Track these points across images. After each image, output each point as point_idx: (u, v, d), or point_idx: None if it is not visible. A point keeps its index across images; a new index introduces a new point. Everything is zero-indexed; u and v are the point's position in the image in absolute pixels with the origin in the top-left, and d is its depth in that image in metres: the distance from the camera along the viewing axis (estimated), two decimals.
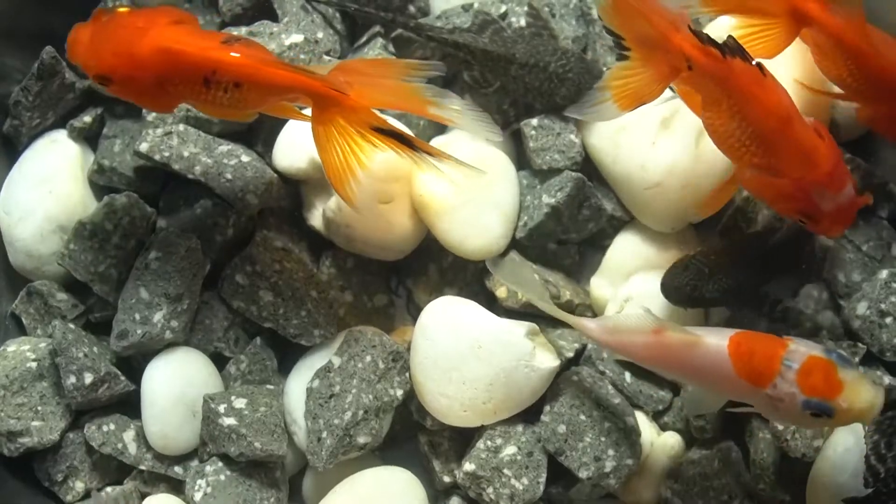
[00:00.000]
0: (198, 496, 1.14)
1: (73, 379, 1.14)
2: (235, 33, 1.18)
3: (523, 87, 1.18)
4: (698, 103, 1.00)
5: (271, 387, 1.19)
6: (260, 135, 1.22)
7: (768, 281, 1.14)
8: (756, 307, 1.15)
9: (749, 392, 0.94)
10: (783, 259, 1.13)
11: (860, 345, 1.12)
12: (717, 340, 0.95)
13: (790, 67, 1.14)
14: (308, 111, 1.01)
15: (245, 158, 1.18)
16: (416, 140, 1.00)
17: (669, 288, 1.11)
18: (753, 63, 0.95)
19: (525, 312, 1.17)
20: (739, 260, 1.11)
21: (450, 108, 1.00)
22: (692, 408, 1.09)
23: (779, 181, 0.97)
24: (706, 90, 0.98)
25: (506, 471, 1.12)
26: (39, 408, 1.16)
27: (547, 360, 1.12)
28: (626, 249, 1.19)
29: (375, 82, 0.99)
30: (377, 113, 0.99)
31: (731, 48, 0.94)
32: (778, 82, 0.96)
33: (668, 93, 1.03)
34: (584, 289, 1.22)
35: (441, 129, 1.24)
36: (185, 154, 1.17)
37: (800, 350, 0.91)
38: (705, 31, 1.20)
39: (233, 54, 0.97)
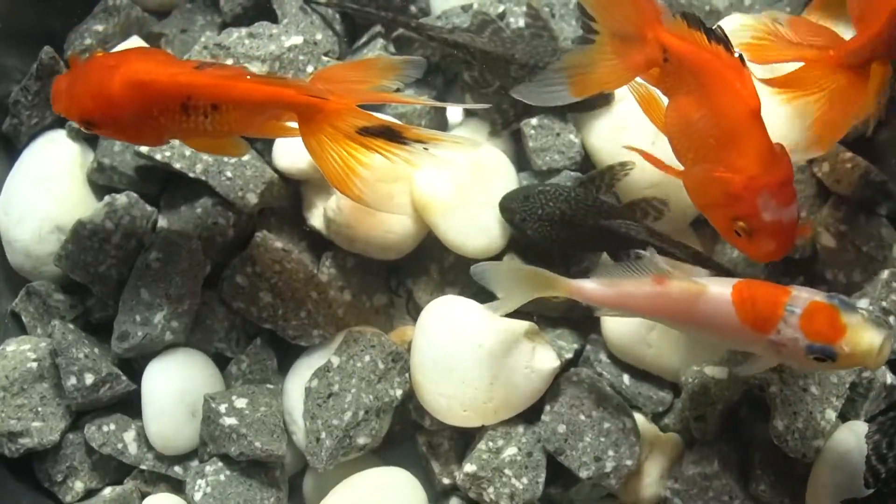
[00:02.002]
0: (198, 496, 1.14)
1: (73, 380, 1.14)
2: (209, 59, 1.18)
3: None
4: (657, 110, 0.99)
5: (271, 386, 1.19)
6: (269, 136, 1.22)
7: (589, 251, 1.15)
8: (558, 267, 1.14)
9: (753, 339, 0.95)
10: (612, 241, 1.12)
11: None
12: (720, 289, 0.95)
13: None
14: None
15: (245, 157, 1.18)
16: (405, 129, 0.99)
17: (504, 207, 1.14)
18: (736, 55, 0.94)
19: (525, 312, 1.17)
20: (572, 218, 1.11)
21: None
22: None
23: (728, 177, 0.94)
24: (678, 81, 0.96)
25: (506, 471, 1.12)
26: (40, 409, 1.16)
27: (547, 361, 1.12)
28: None
29: (356, 88, 0.99)
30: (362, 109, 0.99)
31: (718, 36, 0.93)
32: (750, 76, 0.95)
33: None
34: None
35: (441, 126, 1.24)
36: (187, 153, 1.17)
37: (802, 296, 0.92)
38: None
39: (205, 76, 0.97)
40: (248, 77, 0.98)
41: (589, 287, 1.02)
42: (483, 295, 1.19)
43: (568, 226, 1.11)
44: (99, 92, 0.98)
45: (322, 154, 0.98)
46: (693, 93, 0.95)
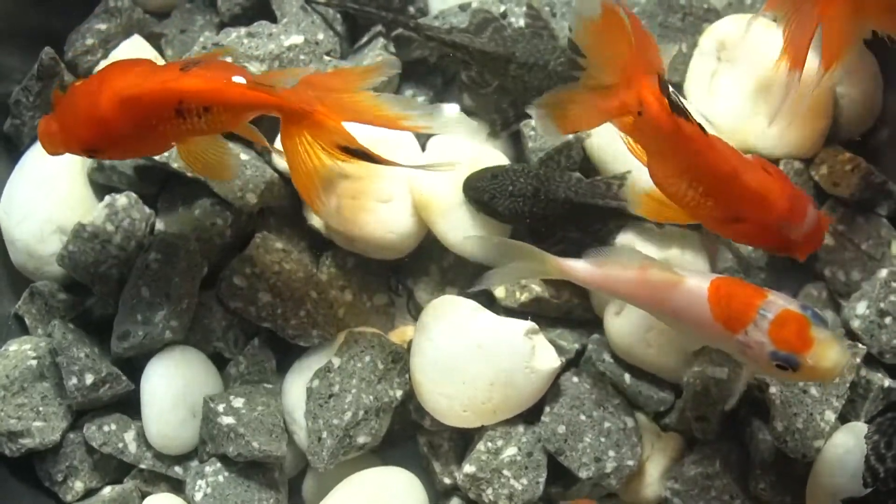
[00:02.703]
0: (198, 496, 1.14)
1: (74, 380, 1.15)
2: (195, 56, 1.17)
3: (522, 87, 1.18)
4: (639, 149, 1.00)
5: (269, 386, 1.19)
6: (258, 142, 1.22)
7: (560, 226, 1.15)
8: (537, 242, 1.14)
9: (722, 336, 0.96)
10: (583, 214, 1.13)
11: (860, 345, 1.12)
12: (698, 282, 0.97)
13: None
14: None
15: (244, 157, 1.18)
16: (381, 159, 0.99)
17: (470, 186, 1.14)
18: (696, 123, 0.94)
19: (525, 312, 1.17)
20: (545, 193, 1.12)
21: (419, 120, 0.98)
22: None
23: (744, 226, 0.97)
24: (654, 145, 0.96)
25: (505, 471, 1.12)
26: (41, 408, 1.16)
27: (547, 361, 1.12)
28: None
29: (346, 98, 0.99)
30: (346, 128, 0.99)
31: (677, 108, 0.93)
32: (719, 140, 0.96)
33: None
34: (584, 289, 1.21)
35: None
36: None
37: (777, 302, 0.93)
38: (708, 32, 1.22)
39: (193, 79, 0.96)
40: (240, 79, 0.97)
41: (577, 267, 1.03)
42: (483, 295, 1.19)
43: (541, 201, 1.12)
44: (91, 118, 0.97)
45: (294, 156, 0.99)
46: (668, 158, 0.96)
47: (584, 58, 0.94)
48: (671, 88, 0.94)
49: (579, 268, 1.03)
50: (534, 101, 0.97)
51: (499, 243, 1.08)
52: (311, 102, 0.96)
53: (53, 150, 1.01)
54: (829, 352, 0.90)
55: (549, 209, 1.12)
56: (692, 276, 0.98)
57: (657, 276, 0.99)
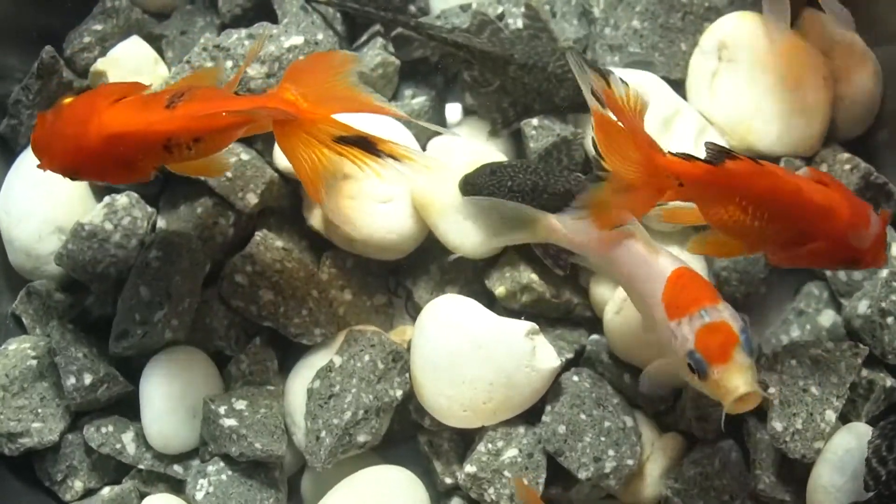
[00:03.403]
0: (199, 495, 1.14)
1: (72, 380, 1.14)
2: (179, 87, 1.16)
3: (522, 88, 1.18)
4: (690, 215, 1.02)
5: (272, 388, 1.19)
6: (260, 133, 1.22)
7: None
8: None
9: (661, 317, 0.97)
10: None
11: (861, 346, 1.12)
12: (668, 263, 0.99)
13: None
14: None
15: (245, 157, 1.18)
16: (380, 142, 0.99)
17: (469, 183, 1.14)
18: (741, 157, 0.96)
19: (525, 312, 1.17)
20: (545, 188, 1.12)
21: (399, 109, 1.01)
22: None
23: (812, 247, 0.98)
24: (707, 198, 0.98)
25: (506, 472, 1.11)
26: (40, 410, 1.16)
27: (547, 361, 1.12)
28: None
29: (328, 90, 0.99)
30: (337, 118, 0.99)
31: (718, 153, 0.95)
32: (771, 165, 0.98)
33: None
34: (584, 288, 1.21)
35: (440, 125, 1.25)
36: None
37: (721, 313, 0.94)
38: (709, 31, 1.22)
39: (180, 118, 0.95)
40: (222, 102, 0.97)
41: (563, 224, 1.06)
42: (483, 295, 1.19)
43: (540, 196, 1.12)
44: (79, 148, 0.97)
45: (293, 155, 0.99)
46: (728, 203, 0.97)
47: (603, 160, 0.96)
48: (686, 153, 0.95)
49: (564, 225, 1.06)
50: (572, 207, 1.01)
51: (492, 203, 1.10)
52: (296, 105, 0.96)
53: (42, 164, 1.00)
54: (737, 376, 0.91)
55: (549, 204, 1.12)
56: (666, 256, 1.00)
57: (636, 245, 1.01)
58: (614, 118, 0.95)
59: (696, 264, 1.18)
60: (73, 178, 1.02)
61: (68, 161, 0.98)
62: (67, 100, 1.00)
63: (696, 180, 0.95)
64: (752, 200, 0.96)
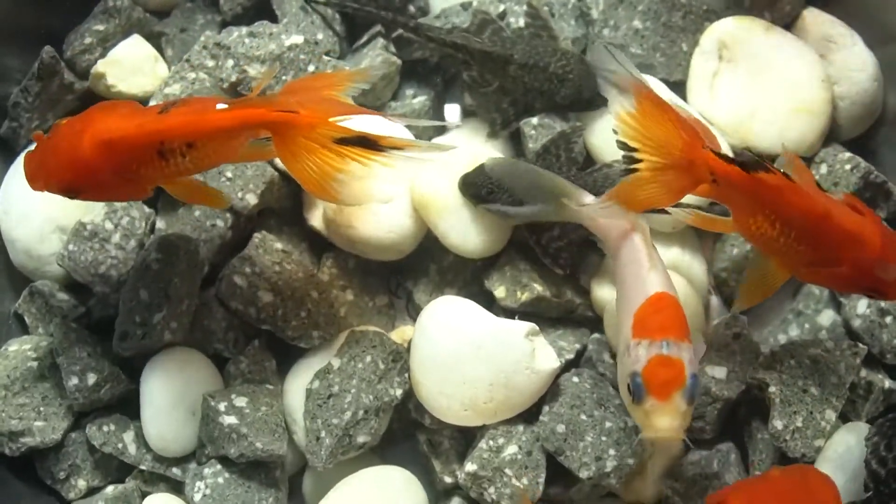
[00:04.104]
0: (197, 497, 1.14)
1: (75, 380, 1.15)
2: (172, 98, 1.17)
3: (523, 87, 1.18)
4: (721, 224, 1.02)
5: (271, 387, 1.19)
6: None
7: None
8: (535, 235, 1.16)
9: (625, 329, 0.97)
10: None
11: (861, 345, 1.12)
12: (656, 280, 0.98)
13: None
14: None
15: None
16: (381, 138, 0.98)
17: (468, 183, 1.14)
18: (777, 171, 0.95)
19: (525, 312, 1.17)
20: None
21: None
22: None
23: (837, 270, 0.98)
24: (736, 202, 0.98)
25: (507, 470, 1.12)
26: (42, 408, 1.16)
27: (547, 361, 1.12)
28: None
29: (325, 98, 0.99)
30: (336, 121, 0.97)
31: (753, 163, 0.94)
32: (806, 183, 0.97)
33: None
34: (585, 289, 1.21)
35: (440, 130, 1.24)
36: None
37: (681, 352, 0.92)
38: (709, 31, 1.22)
39: (172, 117, 0.95)
40: (217, 106, 0.96)
41: (588, 205, 1.05)
42: (483, 295, 1.19)
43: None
44: (73, 160, 0.96)
45: (297, 165, 0.97)
46: (756, 212, 0.97)
47: (634, 150, 0.95)
48: (726, 153, 0.95)
49: (589, 207, 1.05)
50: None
51: (527, 168, 1.09)
52: (294, 107, 0.95)
53: (36, 186, 1.00)
54: (666, 418, 0.90)
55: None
56: (659, 274, 0.99)
57: (638, 249, 1.00)
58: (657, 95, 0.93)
59: (698, 266, 1.19)
60: (71, 197, 1.00)
61: (65, 176, 0.97)
62: (63, 122, 1.00)
63: (730, 181, 0.94)
64: (780, 216, 0.96)
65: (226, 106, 0.96)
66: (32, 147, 1.02)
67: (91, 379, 1.15)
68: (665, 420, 0.90)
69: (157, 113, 0.96)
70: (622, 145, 0.95)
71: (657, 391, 0.91)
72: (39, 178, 0.99)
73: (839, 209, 0.97)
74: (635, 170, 0.95)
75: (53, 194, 1.01)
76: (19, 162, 1.23)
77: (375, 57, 1.22)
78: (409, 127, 1.20)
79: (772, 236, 0.97)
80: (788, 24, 1.25)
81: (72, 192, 0.99)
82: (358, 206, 1.12)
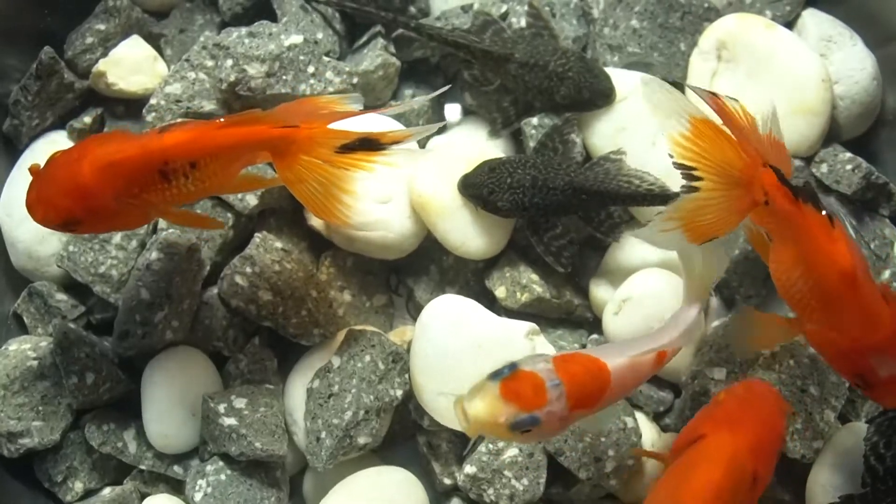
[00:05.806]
0: (198, 496, 1.14)
1: (74, 379, 1.15)
2: (170, 120, 1.17)
3: (523, 86, 1.18)
4: (766, 248, 0.99)
5: (271, 387, 1.19)
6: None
7: (562, 214, 1.15)
8: (537, 233, 1.15)
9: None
10: (584, 201, 1.13)
11: None
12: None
13: None
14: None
15: None
16: (381, 136, 0.97)
17: (468, 182, 1.14)
18: (824, 213, 0.92)
19: (525, 312, 1.17)
20: (545, 182, 1.12)
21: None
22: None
23: (838, 339, 0.94)
24: (777, 228, 0.96)
25: (506, 472, 1.12)
26: (41, 408, 1.16)
27: None
28: (626, 250, 1.19)
29: (321, 111, 0.98)
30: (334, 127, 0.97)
31: (805, 193, 0.92)
32: (847, 237, 0.92)
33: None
34: (584, 289, 1.21)
35: (440, 130, 1.25)
36: None
37: (553, 405, 0.88)
38: (708, 31, 1.22)
39: (173, 136, 0.94)
40: (216, 123, 0.95)
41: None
42: (483, 295, 1.19)
43: (540, 191, 1.12)
44: (72, 187, 0.94)
45: (300, 186, 0.97)
46: (789, 246, 0.95)
47: (693, 170, 0.93)
48: (783, 173, 0.93)
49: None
50: (654, 222, 0.97)
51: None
52: (293, 120, 0.95)
53: (37, 217, 0.97)
54: (480, 404, 0.86)
55: (549, 198, 1.12)
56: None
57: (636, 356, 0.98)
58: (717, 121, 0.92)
59: None
60: (70, 230, 0.98)
61: (64, 204, 0.94)
62: (58, 153, 0.98)
63: (775, 202, 0.92)
64: (808, 257, 0.92)
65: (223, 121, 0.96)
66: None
67: (90, 378, 1.15)
68: (477, 404, 0.86)
69: (157, 133, 0.95)
70: (679, 165, 0.94)
71: (507, 385, 0.87)
72: (38, 208, 0.96)
73: (869, 281, 0.92)
74: (696, 188, 0.93)
75: (52, 230, 0.98)
76: (22, 162, 1.23)
77: (375, 57, 1.22)
78: (400, 119, 1.21)
79: (794, 276, 0.94)
80: (788, 23, 1.25)
81: (71, 222, 0.96)
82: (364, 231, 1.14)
